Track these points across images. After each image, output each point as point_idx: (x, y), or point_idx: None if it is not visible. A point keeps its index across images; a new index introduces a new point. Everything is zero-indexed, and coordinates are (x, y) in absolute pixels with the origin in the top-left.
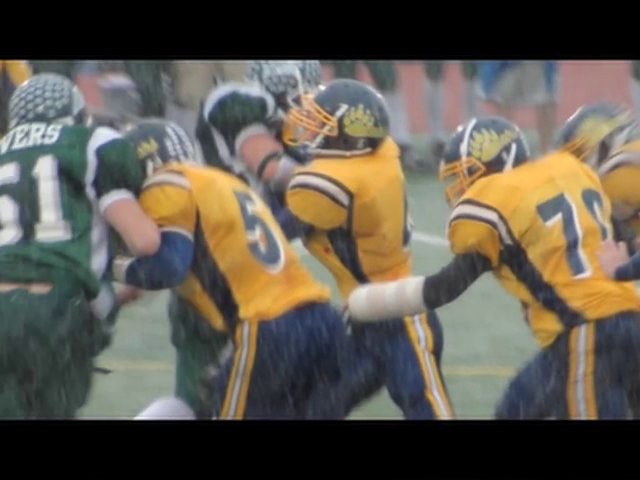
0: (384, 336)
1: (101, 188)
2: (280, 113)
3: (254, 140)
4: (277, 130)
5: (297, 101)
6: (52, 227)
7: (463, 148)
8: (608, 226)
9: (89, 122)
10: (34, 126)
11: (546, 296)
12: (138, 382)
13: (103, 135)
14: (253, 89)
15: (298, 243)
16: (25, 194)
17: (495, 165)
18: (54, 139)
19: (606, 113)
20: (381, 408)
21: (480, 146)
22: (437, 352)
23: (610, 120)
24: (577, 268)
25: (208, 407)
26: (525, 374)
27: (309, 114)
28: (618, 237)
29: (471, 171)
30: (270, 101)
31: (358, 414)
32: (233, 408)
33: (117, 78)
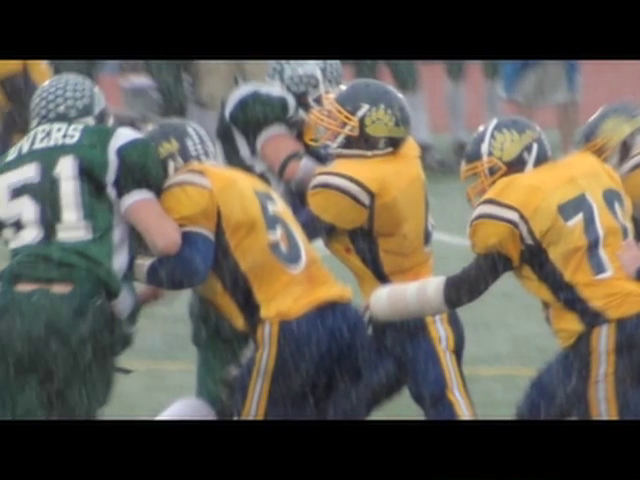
0: (405, 336)
1: (122, 188)
2: (301, 113)
3: (275, 140)
4: (298, 130)
5: (318, 101)
6: (73, 227)
7: (484, 148)
8: (629, 226)
9: (110, 122)
10: (55, 126)
11: (567, 296)
12: (159, 382)
13: (124, 135)
14: (274, 89)
15: (319, 243)
16: (46, 194)
17: (516, 165)
18: (75, 139)
19: (627, 113)
20: (402, 408)
21: (501, 146)
22: (458, 352)
23: (631, 120)
24: (598, 268)
25: (229, 407)
26: (546, 374)
27: (330, 114)
28: (639, 237)
29: (492, 171)
30: (291, 101)
31: (379, 414)
32: (254, 408)
33: (138, 78)
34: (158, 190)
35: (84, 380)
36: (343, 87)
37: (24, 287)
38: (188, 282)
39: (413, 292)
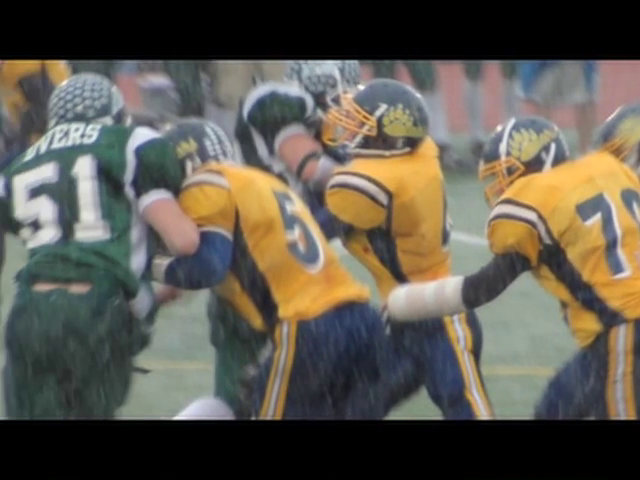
0: (423, 336)
1: (140, 188)
2: (319, 113)
3: (293, 140)
4: (316, 130)
5: (336, 101)
6: (91, 227)
7: (502, 148)
8: None
9: (128, 122)
10: (73, 126)
11: (585, 296)
12: (177, 382)
13: (142, 135)
14: (292, 89)
15: (337, 243)
16: (64, 194)
17: (534, 165)
18: (93, 139)
19: None
20: (420, 408)
21: (519, 146)
22: (476, 352)
23: None
24: (616, 268)
25: (247, 407)
26: (564, 374)
27: (348, 114)
28: None
29: (510, 171)
30: (309, 101)
31: (397, 414)
32: (272, 408)
33: (156, 78)
34: (176, 190)
35: (102, 380)
36: (361, 87)
37: (42, 287)
38: (206, 282)
39: (431, 292)
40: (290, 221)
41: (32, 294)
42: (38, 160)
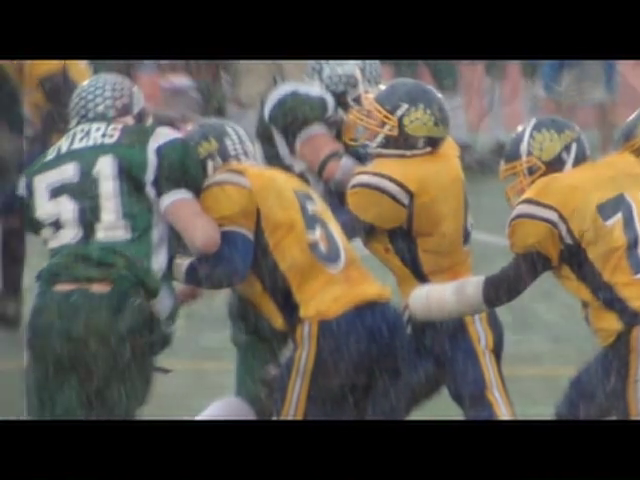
0: (444, 336)
1: (161, 187)
2: (340, 112)
3: (314, 140)
4: (337, 129)
5: (357, 100)
6: (112, 226)
7: (523, 148)
8: None
9: (149, 121)
10: (94, 125)
11: (606, 296)
12: (198, 382)
13: (163, 134)
14: (313, 88)
15: (358, 243)
16: (85, 194)
17: (555, 165)
18: (114, 138)
19: None
20: (441, 408)
21: (540, 145)
22: (497, 352)
23: None
24: (637, 268)
25: (268, 406)
26: (585, 374)
27: (369, 113)
28: None
29: (531, 171)
30: (330, 100)
31: (418, 414)
32: (293, 407)
33: (177, 78)
34: (197, 190)
35: (123, 380)
36: (382, 87)
37: (63, 287)
38: (227, 282)
39: (452, 292)
40: (311, 221)
41: (53, 294)
42: (59, 160)
